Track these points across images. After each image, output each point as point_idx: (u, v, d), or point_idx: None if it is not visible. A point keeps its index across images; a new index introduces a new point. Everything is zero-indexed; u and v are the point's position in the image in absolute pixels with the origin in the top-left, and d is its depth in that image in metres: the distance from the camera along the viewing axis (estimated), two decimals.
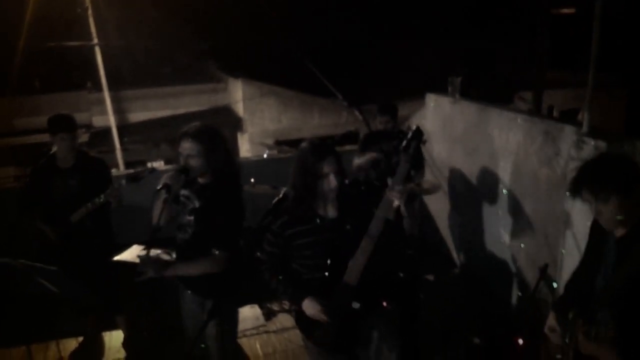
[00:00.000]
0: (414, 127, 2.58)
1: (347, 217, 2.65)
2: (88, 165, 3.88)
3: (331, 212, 2.66)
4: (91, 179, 3.79)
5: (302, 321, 2.75)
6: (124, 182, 3.60)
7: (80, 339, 4.35)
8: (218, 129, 2.99)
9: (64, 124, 3.76)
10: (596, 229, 2.42)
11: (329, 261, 2.60)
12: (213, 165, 2.86)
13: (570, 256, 3.91)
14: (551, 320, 2.53)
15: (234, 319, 3.22)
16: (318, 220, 2.64)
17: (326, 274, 2.61)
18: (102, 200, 3.66)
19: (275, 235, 2.68)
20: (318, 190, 2.55)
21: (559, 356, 2.45)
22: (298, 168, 2.57)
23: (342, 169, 2.59)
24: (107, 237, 4.00)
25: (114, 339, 4.47)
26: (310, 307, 2.59)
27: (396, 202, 2.50)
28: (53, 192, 3.80)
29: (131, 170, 3.89)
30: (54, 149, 3.83)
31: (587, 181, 2.21)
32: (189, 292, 3.11)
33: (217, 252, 2.87)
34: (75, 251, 3.79)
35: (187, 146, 2.82)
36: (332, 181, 2.53)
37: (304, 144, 2.63)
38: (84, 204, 3.68)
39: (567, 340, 2.37)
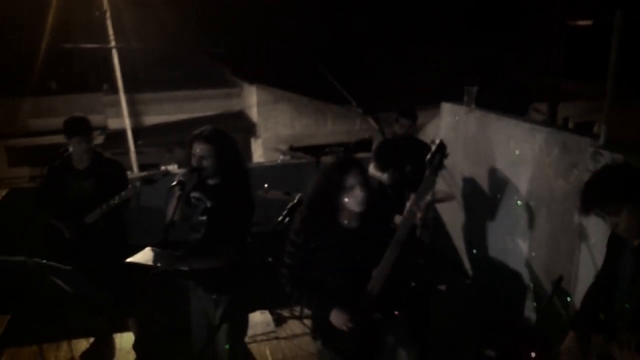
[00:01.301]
0: (437, 141, 2.57)
1: (368, 225, 2.64)
2: (104, 167, 3.90)
3: (353, 222, 2.65)
4: (107, 181, 3.81)
5: (322, 328, 2.74)
6: (138, 184, 3.64)
7: (92, 339, 4.37)
8: (227, 132, 3.16)
9: (79, 127, 3.78)
10: (613, 242, 2.40)
11: (352, 270, 2.60)
12: (224, 165, 3.02)
13: (585, 269, 3.87)
14: (570, 341, 2.47)
15: (244, 323, 3.28)
16: (341, 231, 2.63)
17: (350, 282, 2.60)
18: (116, 201, 3.69)
19: (298, 247, 2.67)
20: (342, 204, 2.55)
21: None
22: (321, 182, 2.57)
23: (368, 181, 2.59)
24: (121, 238, 4.01)
25: (125, 340, 4.48)
26: (337, 317, 2.58)
27: (419, 215, 2.50)
28: (68, 193, 3.82)
29: (145, 173, 3.92)
30: (70, 150, 3.86)
31: (593, 201, 2.20)
32: (201, 290, 3.17)
33: (224, 247, 3.00)
34: (88, 251, 3.80)
35: (200, 148, 2.98)
36: (358, 194, 2.52)
37: (328, 159, 2.65)
38: (99, 205, 3.72)
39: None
